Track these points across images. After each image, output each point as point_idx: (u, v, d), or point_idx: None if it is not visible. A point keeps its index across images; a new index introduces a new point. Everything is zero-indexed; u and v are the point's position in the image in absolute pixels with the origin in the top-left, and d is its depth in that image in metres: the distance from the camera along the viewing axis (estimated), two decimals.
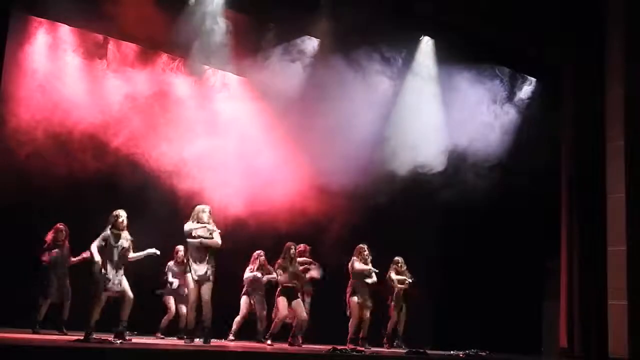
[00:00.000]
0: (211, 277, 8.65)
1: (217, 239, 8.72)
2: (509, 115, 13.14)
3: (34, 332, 8.76)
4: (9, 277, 9.32)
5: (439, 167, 12.43)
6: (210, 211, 8.87)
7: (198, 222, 8.73)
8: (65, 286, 9.15)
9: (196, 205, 9.04)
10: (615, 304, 11.31)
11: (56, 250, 9.12)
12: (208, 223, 8.75)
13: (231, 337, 10.04)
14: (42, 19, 10.23)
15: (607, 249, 11.57)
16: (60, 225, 9.22)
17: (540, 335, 13.73)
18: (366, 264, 10.27)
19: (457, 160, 12.54)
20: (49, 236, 9.17)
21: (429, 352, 9.87)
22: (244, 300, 10.28)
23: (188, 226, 8.75)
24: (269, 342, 9.60)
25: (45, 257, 9.08)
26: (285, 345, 9.72)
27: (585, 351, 12.04)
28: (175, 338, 9.70)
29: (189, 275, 8.66)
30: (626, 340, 11.01)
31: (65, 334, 8.24)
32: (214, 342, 9.02)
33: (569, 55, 12.91)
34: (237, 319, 10.23)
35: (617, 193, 11.54)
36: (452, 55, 12.57)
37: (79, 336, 7.63)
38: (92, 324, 7.90)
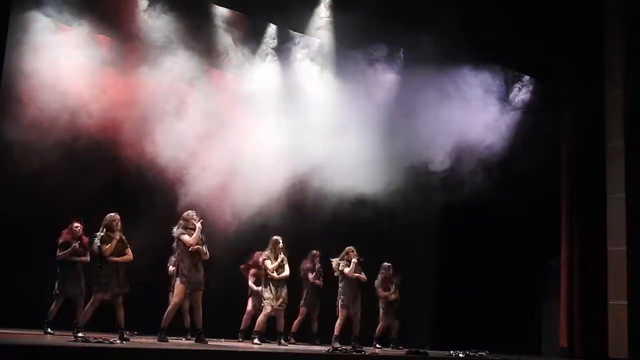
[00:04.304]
0: (203, 284, 8.68)
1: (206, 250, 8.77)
2: (509, 115, 13.13)
3: (46, 333, 8.74)
4: (17, 278, 9.28)
5: (439, 166, 12.42)
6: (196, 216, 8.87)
7: (188, 228, 8.71)
8: (79, 286, 9.10)
9: (186, 210, 9.02)
10: (615, 304, 11.32)
11: (70, 249, 9.07)
12: (195, 229, 8.73)
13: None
14: (45, 18, 10.19)
15: (607, 249, 11.58)
16: (75, 223, 9.17)
17: (540, 335, 13.72)
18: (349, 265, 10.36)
19: (458, 160, 12.52)
20: (65, 235, 9.13)
21: (428, 352, 9.87)
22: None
23: (179, 232, 8.71)
24: (256, 340, 9.59)
25: (60, 255, 9.04)
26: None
27: (585, 351, 12.05)
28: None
29: (178, 279, 8.64)
30: (626, 340, 11.02)
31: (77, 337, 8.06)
32: (214, 341, 9.05)
33: (569, 55, 12.92)
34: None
35: (617, 193, 11.56)
36: (452, 55, 12.57)
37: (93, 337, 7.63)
38: (82, 323, 8.01)
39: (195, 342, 8.64)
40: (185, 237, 8.62)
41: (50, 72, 9.98)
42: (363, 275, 10.57)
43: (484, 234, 12.91)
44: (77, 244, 8.98)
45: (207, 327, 8.78)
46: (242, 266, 10.58)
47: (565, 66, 13.15)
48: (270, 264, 9.69)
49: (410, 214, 12.71)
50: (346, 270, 10.38)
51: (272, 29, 11.92)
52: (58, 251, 9.01)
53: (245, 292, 10.56)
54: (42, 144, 9.75)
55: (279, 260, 9.74)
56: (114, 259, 8.29)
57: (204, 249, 8.71)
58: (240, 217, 11.03)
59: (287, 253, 9.91)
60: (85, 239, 9.03)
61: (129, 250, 8.47)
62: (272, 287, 9.68)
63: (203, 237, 8.78)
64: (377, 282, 11.37)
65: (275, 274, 9.71)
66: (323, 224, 11.64)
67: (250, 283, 10.44)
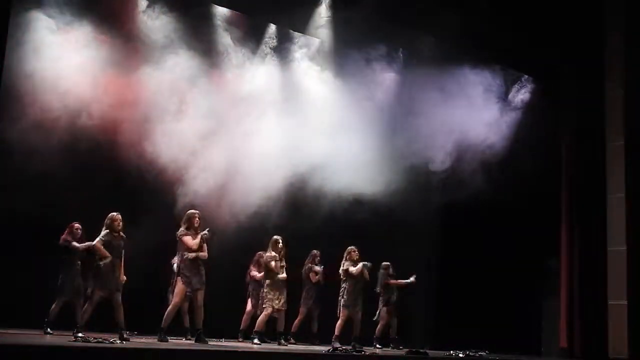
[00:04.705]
0: (204, 284, 8.73)
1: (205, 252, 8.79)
2: (509, 115, 13.14)
3: (46, 333, 8.74)
4: (17, 278, 9.29)
5: (439, 166, 12.42)
6: (200, 216, 8.88)
7: (190, 229, 8.74)
8: (78, 286, 9.10)
9: (188, 210, 9.04)
10: (615, 304, 11.33)
11: (72, 245, 9.06)
12: (199, 230, 8.77)
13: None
14: (46, 18, 10.18)
15: (607, 249, 11.59)
16: (76, 224, 9.19)
17: (540, 335, 13.73)
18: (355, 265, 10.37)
19: (458, 160, 12.53)
20: (65, 235, 9.14)
21: (428, 352, 9.88)
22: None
23: (182, 233, 8.75)
24: (255, 340, 9.60)
25: (72, 246, 9.03)
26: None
27: (585, 351, 12.05)
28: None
29: (179, 279, 8.70)
30: (626, 340, 11.03)
31: (76, 337, 8.00)
32: (214, 341, 9.06)
33: (569, 55, 12.92)
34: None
35: (617, 193, 11.58)
36: (452, 55, 12.58)
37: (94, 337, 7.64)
38: (82, 323, 8.03)
39: (195, 342, 8.65)
40: (187, 239, 8.66)
41: (51, 72, 9.98)
42: (366, 273, 10.54)
43: (484, 234, 12.90)
44: (76, 244, 8.98)
45: (207, 327, 8.79)
46: (249, 271, 10.59)
47: (565, 66, 13.16)
48: (274, 264, 9.73)
49: (410, 214, 12.71)
50: (352, 269, 10.34)
51: (272, 29, 11.93)
52: (75, 244, 9.01)
53: (245, 292, 10.58)
54: (43, 144, 9.74)
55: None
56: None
57: (204, 246, 8.76)
58: (240, 216, 11.02)
59: (286, 253, 9.93)
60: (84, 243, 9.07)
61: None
62: (274, 288, 9.70)
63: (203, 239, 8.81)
64: (378, 284, 11.37)
65: (282, 273, 9.76)
66: (323, 224, 11.63)
67: (254, 273, 10.46)
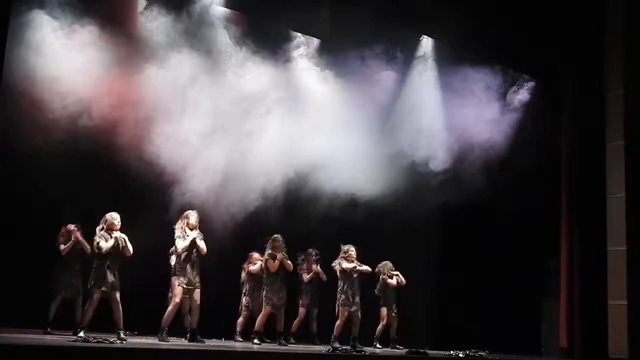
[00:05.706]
0: (199, 283, 8.78)
1: (203, 246, 8.83)
2: (508, 115, 13.14)
3: (46, 333, 8.74)
4: (20, 277, 9.30)
5: (439, 166, 12.42)
6: (196, 216, 8.90)
7: (186, 228, 8.79)
8: (77, 285, 9.12)
9: (186, 210, 9.10)
10: (615, 304, 11.32)
11: (70, 243, 9.09)
12: (196, 229, 8.83)
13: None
14: (48, 18, 10.18)
15: (607, 249, 11.58)
16: (71, 225, 9.21)
17: (540, 335, 13.73)
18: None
19: (457, 160, 12.53)
20: (61, 235, 9.16)
21: (428, 352, 9.88)
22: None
23: (176, 235, 8.84)
24: (255, 340, 9.59)
25: (62, 250, 9.05)
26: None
27: (585, 351, 12.05)
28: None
29: (174, 278, 8.75)
30: (626, 340, 11.02)
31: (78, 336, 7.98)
32: (214, 341, 9.07)
33: (569, 55, 12.92)
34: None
35: (617, 193, 11.56)
36: (452, 55, 12.57)
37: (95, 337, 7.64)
38: (85, 323, 8.02)
39: (189, 341, 8.65)
40: (178, 242, 8.75)
41: (52, 72, 9.98)
42: (365, 267, 10.44)
43: (484, 234, 12.90)
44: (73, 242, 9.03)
45: (206, 327, 8.79)
46: (243, 271, 10.58)
47: (565, 66, 13.15)
48: (272, 264, 9.73)
49: (410, 214, 12.70)
50: (345, 264, 10.25)
51: (272, 28, 11.93)
52: (62, 246, 9.05)
53: (243, 292, 10.57)
54: (44, 144, 9.76)
55: (278, 258, 9.78)
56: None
57: (201, 244, 8.80)
58: (238, 216, 11.02)
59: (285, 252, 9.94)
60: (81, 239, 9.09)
61: (127, 248, 8.44)
62: (273, 286, 9.71)
63: (199, 237, 8.80)
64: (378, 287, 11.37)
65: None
66: (322, 224, 11.63)
67: (244, 274, 10.46)
